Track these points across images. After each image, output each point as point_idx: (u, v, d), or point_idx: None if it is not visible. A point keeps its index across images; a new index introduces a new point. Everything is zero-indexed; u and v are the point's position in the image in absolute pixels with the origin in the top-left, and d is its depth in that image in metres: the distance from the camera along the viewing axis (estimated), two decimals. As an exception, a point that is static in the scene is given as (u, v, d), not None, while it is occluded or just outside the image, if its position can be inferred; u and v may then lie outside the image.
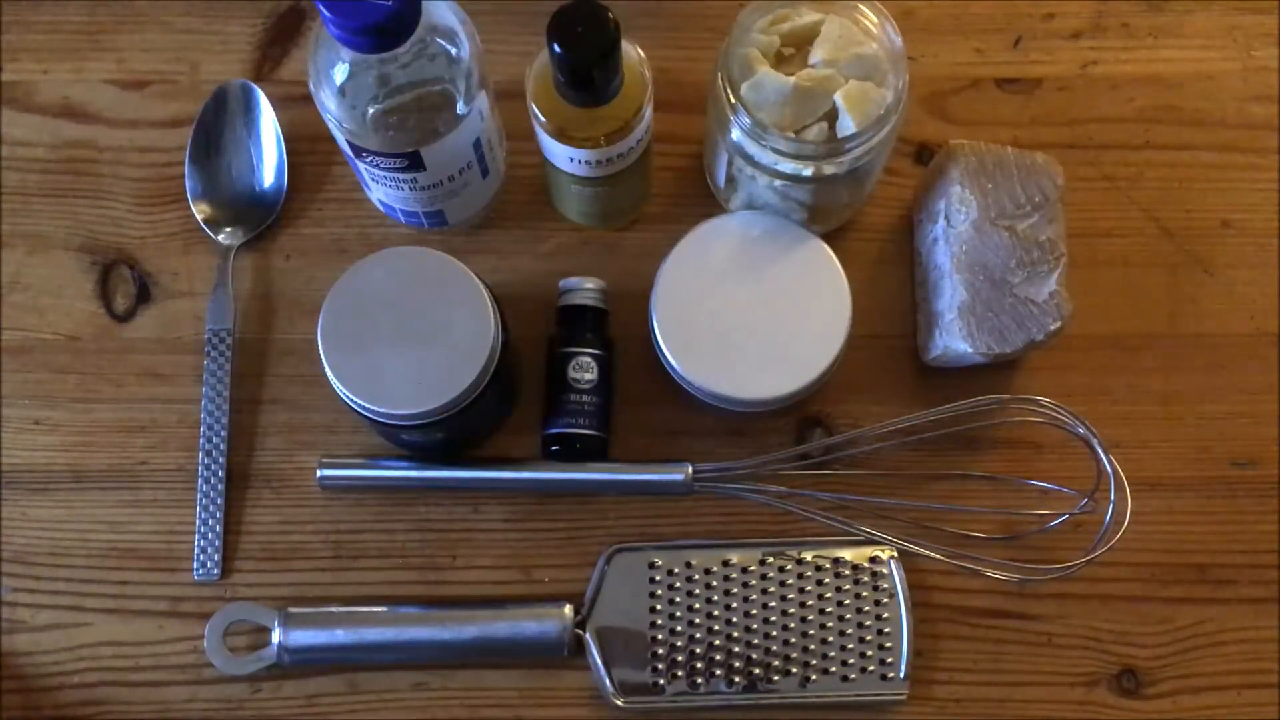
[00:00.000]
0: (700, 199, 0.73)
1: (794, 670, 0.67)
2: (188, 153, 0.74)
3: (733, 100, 0.63)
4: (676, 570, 0.68)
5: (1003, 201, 0.67)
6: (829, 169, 0.64)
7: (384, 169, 0.65)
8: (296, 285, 0.73)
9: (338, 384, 0.62)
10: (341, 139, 0.65)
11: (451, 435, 0.67)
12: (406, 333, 0.62)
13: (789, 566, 0.68)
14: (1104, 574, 0.69)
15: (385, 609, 0.68)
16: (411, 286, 0.63)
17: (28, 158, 0.75)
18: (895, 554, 0.68)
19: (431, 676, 0.68)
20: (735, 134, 0.64)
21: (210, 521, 0.70)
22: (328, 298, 0.63)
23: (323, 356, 0.62)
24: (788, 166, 0.64)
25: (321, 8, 0.56)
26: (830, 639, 0.67)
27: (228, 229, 0.73)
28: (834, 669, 0.67)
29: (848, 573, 0.68)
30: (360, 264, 0.64)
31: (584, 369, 0.69)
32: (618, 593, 0.68)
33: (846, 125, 0.63)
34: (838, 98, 0.63)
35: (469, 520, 0.70)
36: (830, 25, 0.64)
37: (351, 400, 0.62)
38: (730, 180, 0.69)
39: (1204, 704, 0.68)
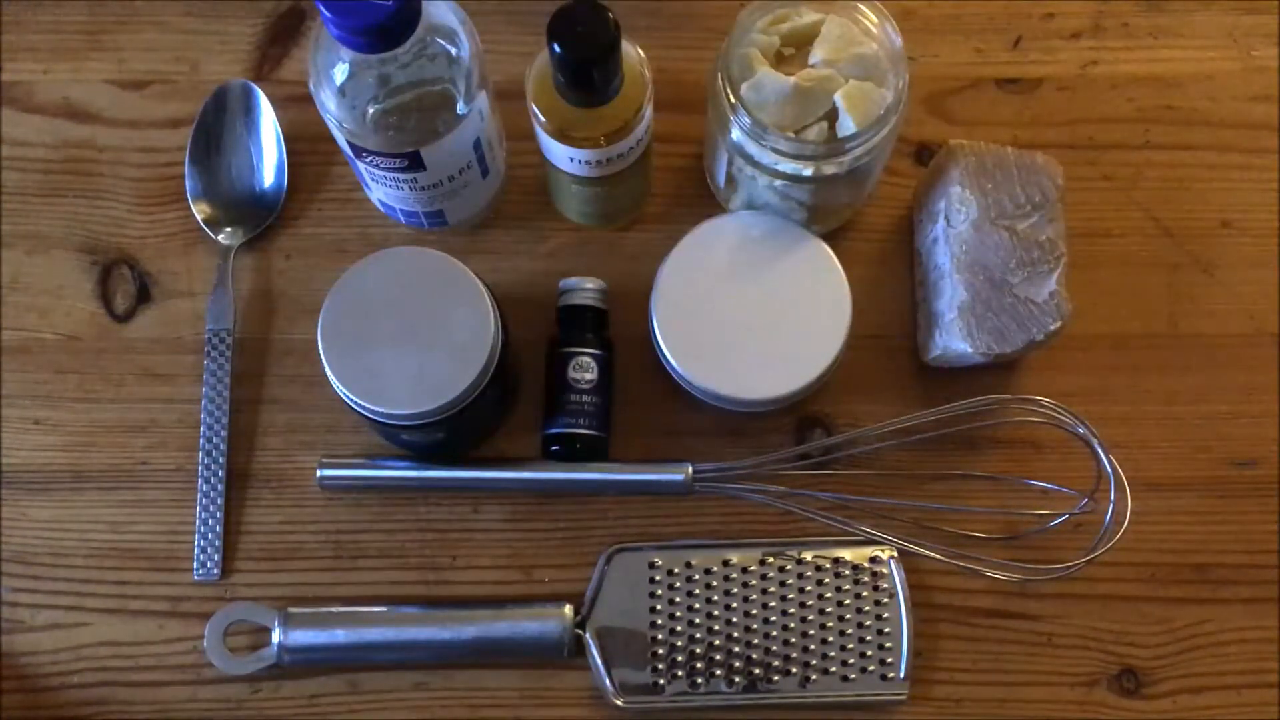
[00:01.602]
0: (700, 199, 0.73)
1: (794, 670, 0.67)
2: (188, 153, 0.74)
3: (733, 100, 0.63)
4: (676, 570, 0.68)
5: (1003, 201, 0.67)
6: (829, 169, 0.64)
7: (384, 169, 0.65)
8: (296, 285, 0.73)
9: (338, 384, 0.62)
10: (341, 139, 0.65)
11: (451, 435, 0.67)
12: (406, 333, 0.62)
13: (789, 566, 0.68)
14: (1104, 574, 0.69)
15: (385, 609, 0.68)
16: (411, 286, 0.63)
17: (28, 158, 0.75)
18: (895, 554, 0.68)
19: (431, 676, 0.68)
20: (735, 134, 0.64)
21: (210, 521, 0.70)
22: (328, 298, 0.63)
23: (323, 356, 0.62)
24: (788, 166, 0.64)
25: (321, 8, 0.56)
26: (830, 639, 0.67)
27: (228, 229, 0.73)
28: (834, 669, 0.67)
29: (848, 573, 0.68)
30: (360, 264, 0.64)
31: (584, 369, 0.69)
32: (618, 593, 0.68)
33: (846, 125, 0.63)
34: (838, 98, 0.63)
35: (469, 520, 0.70)
36: (830, 25, 0.64)
37: (351, 400, 0.62)
38: (730, 180, 0.69)
39: (1204, 704, 0.68)
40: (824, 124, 0.64)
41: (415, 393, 0.62)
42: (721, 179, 0.70)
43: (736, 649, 0.67)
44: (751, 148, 0.64)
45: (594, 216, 0.72)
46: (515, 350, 0.67)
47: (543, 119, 0.63)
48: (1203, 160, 0.75)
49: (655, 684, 0.67)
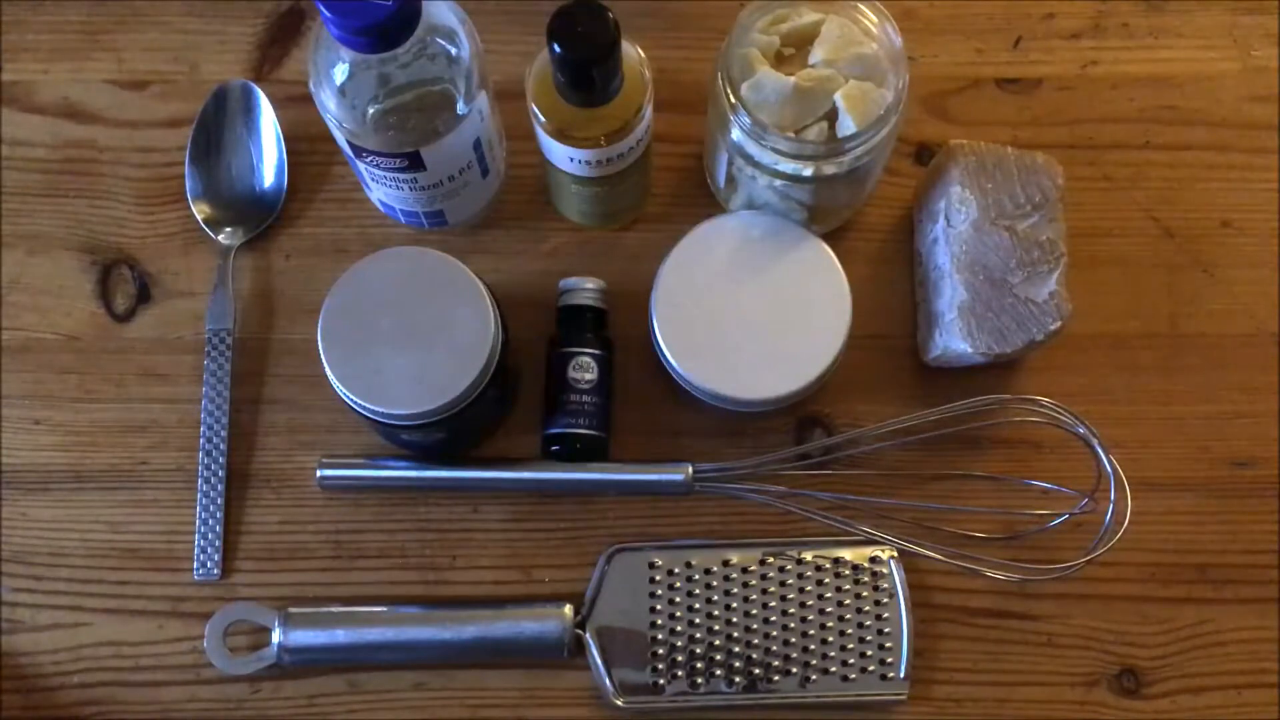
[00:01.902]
0: (700, 199, 0.73)
1: (794, 670, 0.67)
2: (188, 153, 0.74)
3: (733, 100, 0.63)
4: (676, 570, 0.68)
5: (1003, 201, 0.67)
6: (829, 169, 0.64)
7: (384, 169, 0.65)
8: (296, 285, 0.73)
9: (338, 384, 0.62)
10: (341, 139, 0.65)
11: (451, 435, 0.67)
12: (406, 333, 0.62)
13: (789, 566, 0.68)
14: (1104, 574, 0.69)
15: (385, 609, 0.68)
16: (411, 286, 0.63)
17: (28, 158, 0.75)
18: (895, 554, 0.68)
19: (431, 676, 0.68)
20: (735, 134, 0.64)
21: (210, 521, 0.70)
22: (328, 298, 0.63)
23: (323, 356, 0.62)
24: (788, 166, 0.64)
25: (321, 8, 0.56)
26: (830, 639, 0.67)
27: (228, 229, 0.73)
28: (834, 669, 0.67)
29: (848, 573, 0.68)
30: (360, 264, 0.64)
31: (584, 369, 0.69)
32: (618, 593, 0.68)
33: (846, 125, 0.63)
34: (838, 98, 0.63)
35: (469, 520, 0.70)
36: (830, 25, 0.64)
37: (351, 400, 0.62)
38: (730, 180, 0.69)
39: (1204, 704, 0.68)
40: (824, 124, 0.64)
41: (415, 393, 0.62)
42: (721, 179, 0.70)
43: (736, 649, 0.67)
44: (751, 148, 0.64)
45: (594, 216, 0.72)
46: (515, 350, 0.67)
47: (543, 119, 0.63)
48: (1203, 160, 0.75)
49: (655, 684, 0.67)
